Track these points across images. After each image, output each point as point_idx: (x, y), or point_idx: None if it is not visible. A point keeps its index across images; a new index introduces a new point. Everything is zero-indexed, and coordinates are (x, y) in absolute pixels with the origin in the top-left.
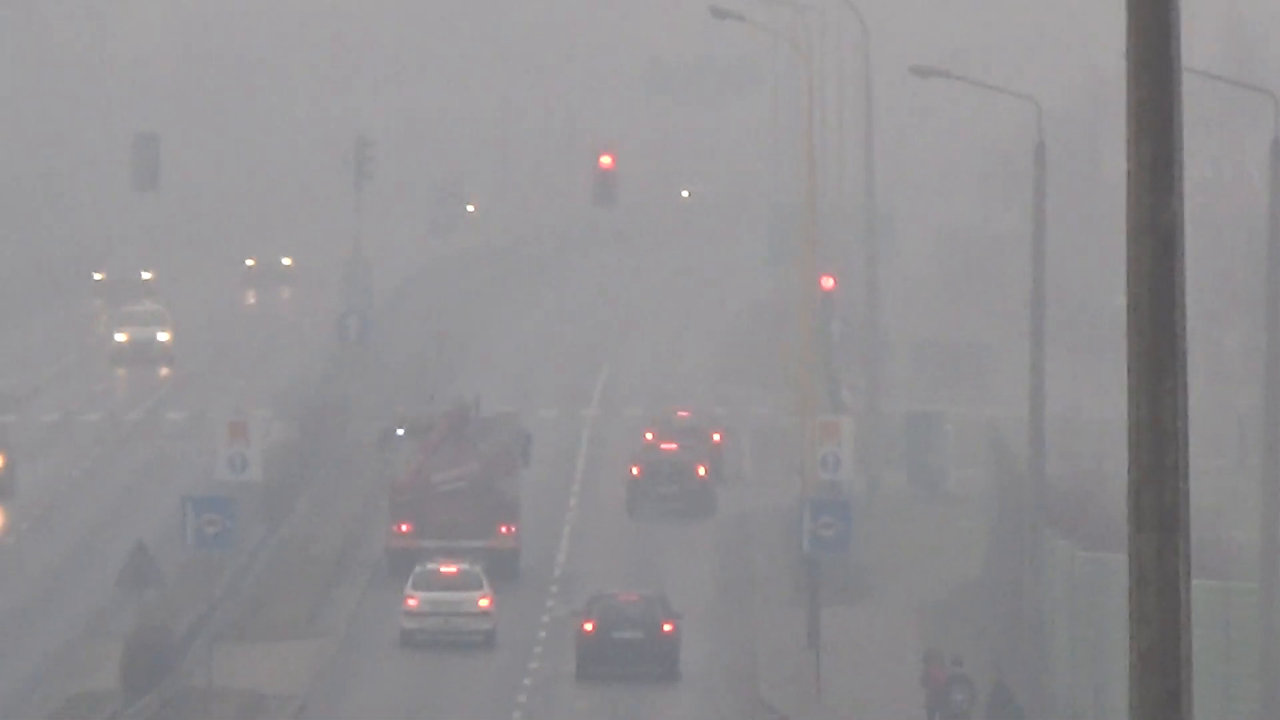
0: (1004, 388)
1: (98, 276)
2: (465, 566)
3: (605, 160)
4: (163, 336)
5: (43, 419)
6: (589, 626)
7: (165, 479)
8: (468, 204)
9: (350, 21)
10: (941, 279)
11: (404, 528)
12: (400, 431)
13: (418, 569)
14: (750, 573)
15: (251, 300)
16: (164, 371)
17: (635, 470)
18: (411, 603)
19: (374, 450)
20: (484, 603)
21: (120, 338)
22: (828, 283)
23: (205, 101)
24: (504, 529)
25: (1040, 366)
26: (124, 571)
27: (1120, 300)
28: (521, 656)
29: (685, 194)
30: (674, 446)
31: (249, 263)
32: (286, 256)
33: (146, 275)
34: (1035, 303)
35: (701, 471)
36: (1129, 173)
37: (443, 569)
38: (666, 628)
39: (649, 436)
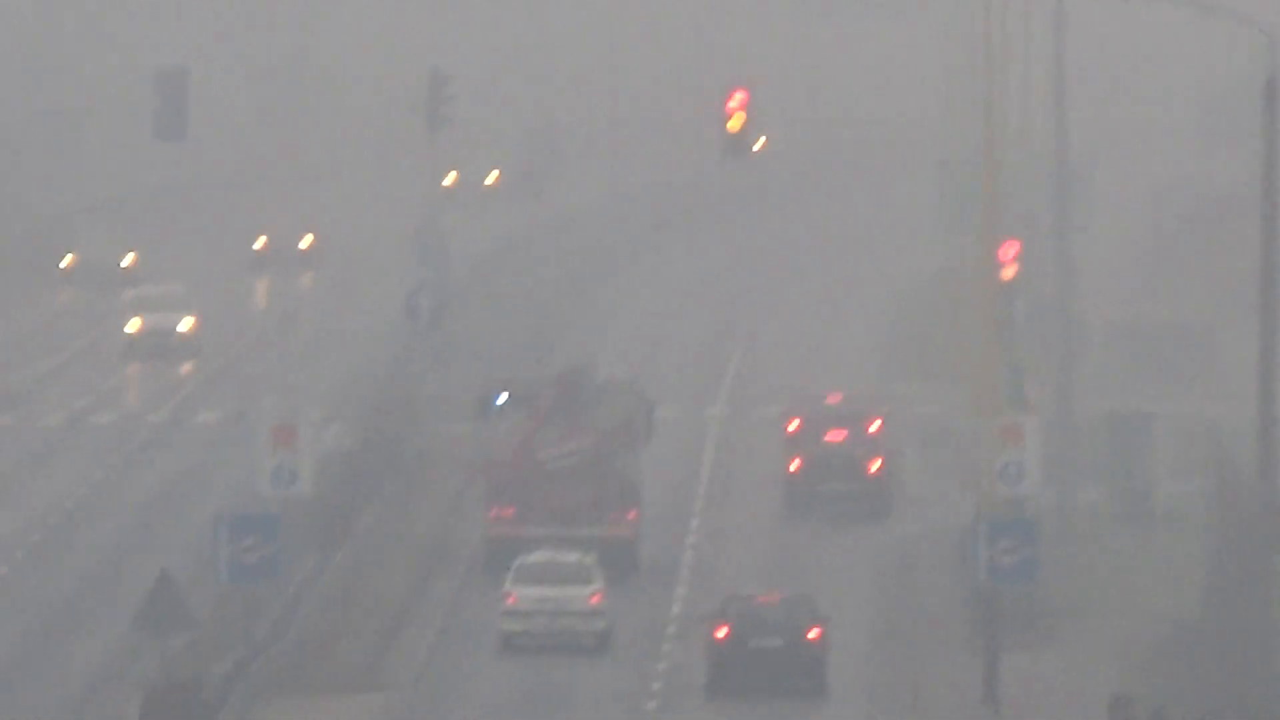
0: (1228, 381)
1: (66, 261)
2: (575, 557)
3: (736, 100)
4: (184, 326)
5: (43, 421)
6: (722, 633)
7: (195, 495)
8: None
9: None
10: (1150, 247)
11: (506, 512)
12: (501, 399)
13: (518, 561)
14: (914, 608)
15: (261, 291)
16: (186, 369)
17: (794, 464)
18: (511, 600)
19: (471, 419)
20: (595, 599)
21: (131, 328)
22: (1009, 252)
23: (243, 31)
24: (623, 514)
25: (1272, 355)
26: (144, 609)
27: None
28: (645, 665)
29: (762, 141)
30: (842, 435)
31: (257, 245)
32: (306, 236)
33: (127, 261)
34: (1266, 275)
35: (875, 467)
36: None
37: (548, 560)
38: (812, 634)
39: (792, 426)
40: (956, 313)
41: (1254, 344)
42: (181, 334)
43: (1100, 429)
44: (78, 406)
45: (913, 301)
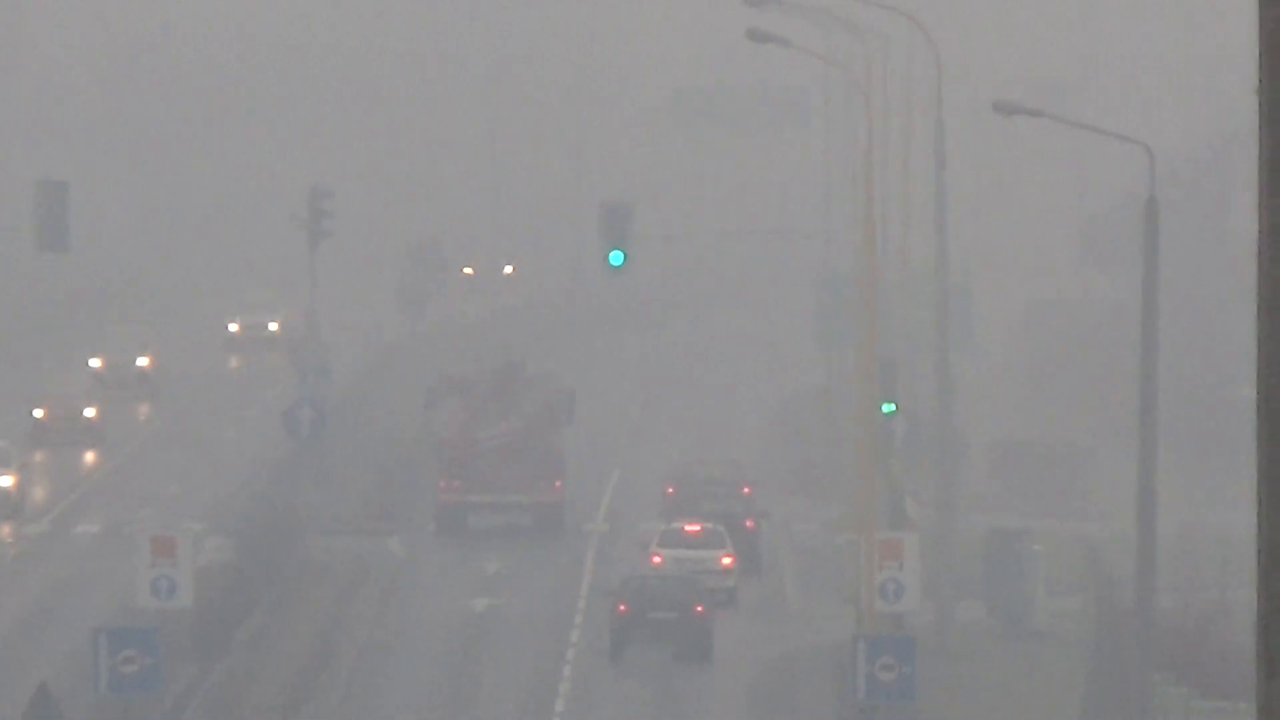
0: (1106, 500)
1: None
2: (710, 526)
3: (618, 215)
4: (4, 482)
5: None
6: (622, 607)
7: (73, 607)
8: (465, 268)
9: (303, 49)
10: (1029, 365)
11: (453, 484)
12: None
13: (663, 528)
14: None
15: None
16: (6, 529)
17: (670, 489)
18: (657, 560)
19: (420, 410)
20: (726, 561)
21: None
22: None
23: (125, 143)
24: (550, 484)
25: (1150, 473)
26: None
27: (1250, 391)
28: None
29: (509, 270)
30: (720, 498)
31: (96, 362)
32: (144, 355)
33: None
34: (1145, 394)
35: (750, 524)
36: (1260, 234)
37: (687, 528)
38: (699, 608)
39: (671, 490)
40: (835, 429)
41: (1132, 462)
42: (4, 489)
43: (979, 546)
44: None
45: (792, 417)
